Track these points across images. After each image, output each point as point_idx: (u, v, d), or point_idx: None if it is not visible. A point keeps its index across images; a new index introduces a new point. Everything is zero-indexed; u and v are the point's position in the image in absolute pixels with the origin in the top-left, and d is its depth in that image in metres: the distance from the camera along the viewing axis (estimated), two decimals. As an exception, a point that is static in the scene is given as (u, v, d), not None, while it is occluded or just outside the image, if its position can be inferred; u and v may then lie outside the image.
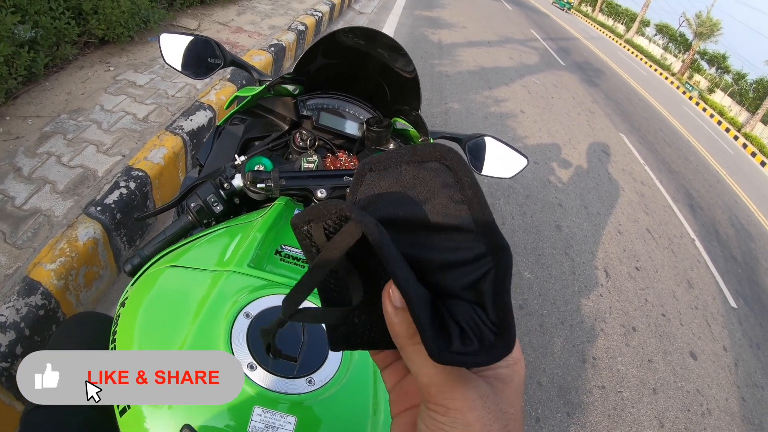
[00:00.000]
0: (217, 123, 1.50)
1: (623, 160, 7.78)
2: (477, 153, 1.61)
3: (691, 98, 27.29)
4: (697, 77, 35.70)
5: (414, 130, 1.50)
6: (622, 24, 50.50)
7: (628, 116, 11.32)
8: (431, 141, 1.39)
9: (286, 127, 1.53)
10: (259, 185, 1.14)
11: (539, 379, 2.91)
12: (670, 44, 42.94)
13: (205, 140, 1.54)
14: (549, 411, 2.74)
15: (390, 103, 1.60)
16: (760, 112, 28.02)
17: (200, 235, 1.09)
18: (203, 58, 1.51)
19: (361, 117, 1.58)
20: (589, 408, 2.91)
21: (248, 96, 1.44)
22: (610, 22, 52.10)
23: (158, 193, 2.81)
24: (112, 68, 3.98)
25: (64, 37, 3.75)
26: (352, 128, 1.57)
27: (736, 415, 3.77)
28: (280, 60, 5.20)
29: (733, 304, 5.43)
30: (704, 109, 25.79)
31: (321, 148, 1.43)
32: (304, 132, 1.37)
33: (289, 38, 5.59)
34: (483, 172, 1.60)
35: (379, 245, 0.32)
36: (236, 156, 1.24)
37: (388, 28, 9.05)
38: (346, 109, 1.59)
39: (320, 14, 7.13)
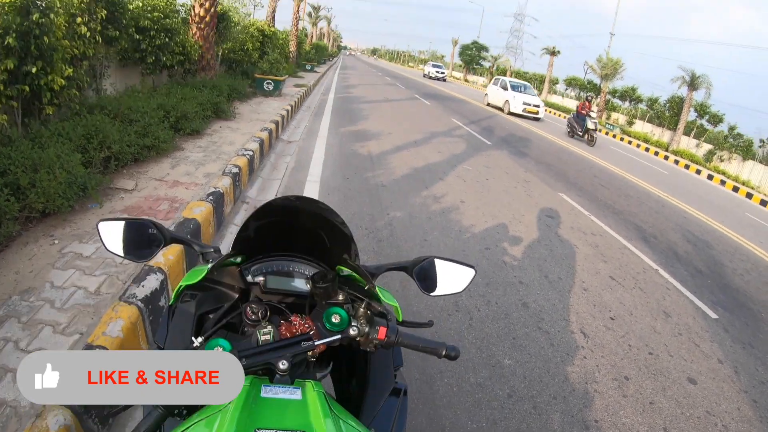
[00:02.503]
0: (169, 302, 1.57)
1: (569, 218, 8.08)
2: (425, 276, 1.60)
3: (614, 136, 28.52)
4: (615, 115, 37.36)
5: (359, 277, 1.50)
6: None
7: (562, 174, 11.80)
8: (378, 287, 1.44)
9: (236, 296, 1.55)
10: None
11: (549, 461, 2.95)
12: (582, 93, 45.16)
13: (160, 321, 1.59)
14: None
15: (330, 251, 1.64)
16: (681, 126, 29.33)
17: (177, 430, 1.10)
18: (143, 240, 1.51)
19: (307, 272, 1.62)
20: (606, 472, 2.95)
21: (194, 282, 1.47)
22: (521, 90, 54.78)
23: None
24: (56, 241, 4.03)
25: (5, 215, 3.79)
26: (300, 285, 1.60)
27: (753, 419, 3.84)
28: (219, 207, 5.37)
29: (713, 315, 5.61)
30: (629, 142, 26.91)
31: (274, 316, 1.44)
32: (254, 306, 1.39)
33: (225, 183, 5.78)
34: (434, 293, 1.61)
35: None
36: (193, 338, 1.24)
37: (318, 151, 9.58)
38: (291, 268, 1.63)
39: (251, 152, 7.44)
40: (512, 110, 25.45)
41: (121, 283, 3.52)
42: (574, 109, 23.50)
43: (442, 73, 54.17)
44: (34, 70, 5.28)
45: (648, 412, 3.59)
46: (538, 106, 25.70)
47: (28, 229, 4.19)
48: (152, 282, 3.40)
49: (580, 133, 19.95)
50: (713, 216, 11.47)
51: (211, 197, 5.24)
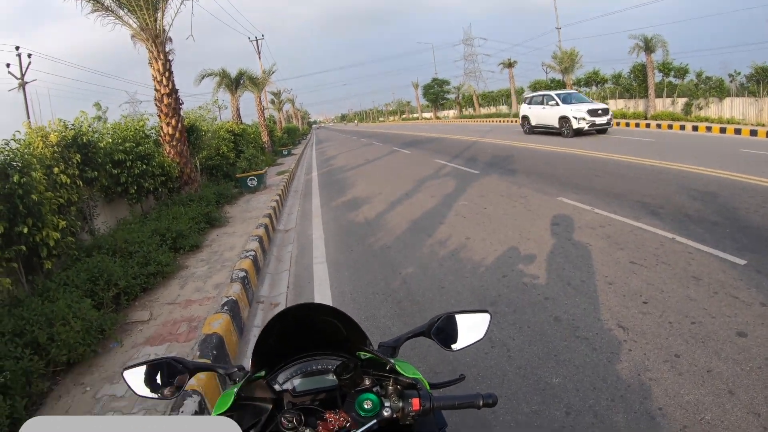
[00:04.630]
0: None
1: (574, 218, 8.13)
2: (443, 334, 1.65)
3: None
4: (587, 103, 37.75)
5: (378, 358, 1.52)
6: (504, 105, 53.90)
7: (555, 178, 11.93)
8: (396, 362, 1.47)
9: (270, 407, 1.55)
10: None
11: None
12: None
13: None
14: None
15: (348, 338, 1.66)
16: (651, 91, 29.63)
17: None
18: (169, 377, 1.56)
19: (331, 366, 1.62)
20: (685, 456, 2.91)
21: (226, 407, 1.48)
22: (493, 109, 55.62)
23: None
24: (88, 388, 4.08)
25: (33, 374, 3.84)
26: (327, 381, 1.61)
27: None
28: (237, 315, 5.42)
29: (741, 262, 5.59)
30: (609, 123, 27.11)
31: (310, 417, 1.43)
32: (287, 415, 1.39)
33: (236, 290, 5.85)
34: (456, 347, 1.66)
35: None
36: None
37: (317, 231, 9.75)
38: (315, 367, 1.64)
39: (253, 252, 7.53)
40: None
41: (160, 414, 3.57)
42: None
43: (605, 113, 21.57)
44: (25, 230, 5.43)
45: (708, 381, 3.55)
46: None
47: (57, 383, 4.27)
48: (190, 406, 3.45)
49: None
50: (711, 165, 11.49)
51: (225, 307, 5.32)
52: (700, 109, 26.48)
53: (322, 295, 6.13)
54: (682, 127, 21.82)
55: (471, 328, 1.68)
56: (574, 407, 3.45)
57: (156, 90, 12.55)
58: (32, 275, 6.04)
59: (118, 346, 4.99)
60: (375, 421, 1.34)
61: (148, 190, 10.70)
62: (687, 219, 7.39)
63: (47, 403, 3.97)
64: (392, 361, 1.46)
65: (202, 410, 3.50)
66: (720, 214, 7.46)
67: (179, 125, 12.82)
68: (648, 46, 29.75)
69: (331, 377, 1.60)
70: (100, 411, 3.73)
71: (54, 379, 4.31)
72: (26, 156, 6.05)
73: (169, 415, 3.37)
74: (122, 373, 1.58)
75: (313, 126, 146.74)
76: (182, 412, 3.36)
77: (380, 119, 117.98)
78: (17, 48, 27.44)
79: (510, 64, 49.75)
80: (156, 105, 12.67)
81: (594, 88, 39.04)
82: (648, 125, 24.42)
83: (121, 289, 5.94)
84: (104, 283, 5.82)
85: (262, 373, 1.59)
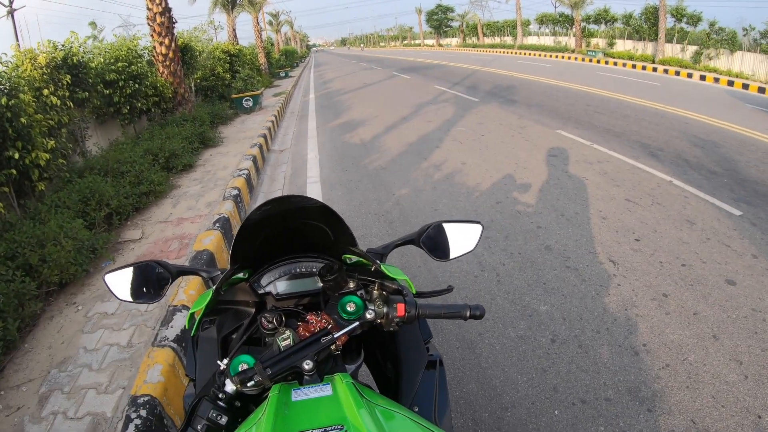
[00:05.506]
0: (191, 334, 1.55)
1: (572, 152, 8.01)
2: (433, 243, 1.61)
3: (599, 62, 28.27)
4: (594, 41, 36.98)
5: (365, 260, 1.47)
6: (508, 36, 52.74)
7: (555, 111, 11.73)
8: (383, 265, 1.42)
9: (253, 311, 1.54)
10: (249, 384, 1.16)
11: (606, 395, 2.91)
12: (557, 28, 44.74)
13: (187, 354, 1.57)
14: (630, 419, 2.73)
15: (335, 242, 1.60)
16: (661, 35, 29.00)
17: None
18: (151, 281, 1.54)
19: (315, 269, 1.59)
20: (665, 394, 2.90)
21: (203, 306, 1.46)
22: (497, 40, 54.45)
23: (171, 409, 2.81)
24: (80, 307, 4.09)
25: (25, 296, 3.84)
26: (311, 284, 1.58)
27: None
28: (228, 232, 5.39)
29: (737, 212, 5.53)
30: (615, 64, 26.66)
31: (291, 319, 1.40)
32: (267, 315, 1.35)
33: (228, 208, 5.83)
34: (450, 258, 1.60)
35: None
36: (219, 362, 1.24)
37: (312, 152, 9.61)
38: (299, 269, 1.60)
39: (246, 171, 7.46)
40: None
41: (150, 330, 3.57)
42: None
43: None
44: (16, 155, 5.30)
45: (693, 323, 3.54)
46: None
47: (50, 303, 4.24)
48: (180, 320, 3.43)
49: None
50: (715, 115, 11.33)
51: (217, 224, 5.27)
52: (710, 59, 26.02)
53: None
54: (690, 75, 21.48)
55: (462, 238, 1.61)
56: (560, 336, 3.43)
57: (149, 9, 12.07)
58: (24, 199, 5.93)
59: (111, 264, 4.92)
60: (357, 323, 1.28)
61: (141, 111, 10.43)
62: (686, 164, 7.30)
63: (40, 323, 3.93)
64: (378, 262, 1.40)
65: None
66: (719, 164, 7.38)
67: (173, 45, 12.42)
68: (663, -13, 28.94)
69: (316, 280, 1.56)
70: (91, 329, 3.70)
71: (47, 300, 4.27)
72: (14, 78, 5.84)
73: (159, 330, 3.35)
74: (104, 277, 1.52)
75: (312, 49, 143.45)
76: (171, 327, 3.34)
77: (381, 44, 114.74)
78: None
79: (518, -6, 48.32)
80: (149, 24, 12.22)
81: (603, 26, 38.18)
82: (655, 69, 24.00)
83: (113, 209, 5.83)
84: (96, 204, 5.71)
85: (246, 275, 1.55)
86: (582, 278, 4.16)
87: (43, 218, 5.17)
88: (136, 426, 2.50)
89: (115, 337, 3.55)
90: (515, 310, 3.76)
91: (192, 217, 5.94)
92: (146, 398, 2.68)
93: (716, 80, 20.07)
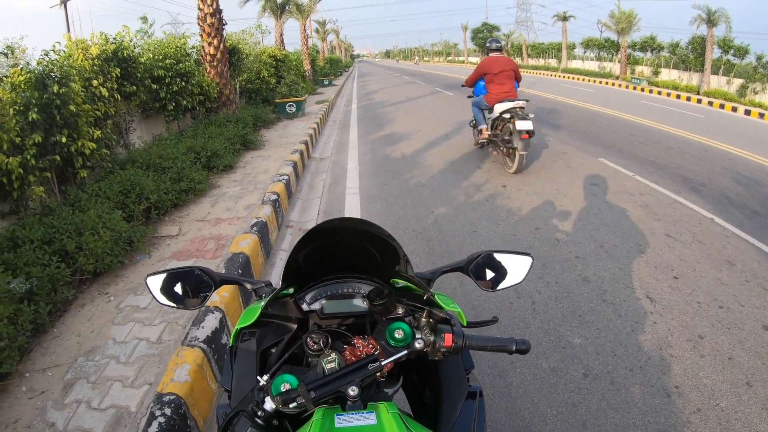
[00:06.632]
0: (230, 344, 1.57)
1: (613, 182, 7.96)
2: (481, 272, 1.61)
3: (643, 90, 27.94)
4: (639, 68, 36.57)
5: (414, 286, 1.45)
6: (552, 59, 52.42)
7: (598, 139, 11.65)
8: (436, 294, 1.41)
9: (295, 326, 1.54)
10: (291, 405, 1.14)
11: (637, 434, 2.92)
12: (602, 53, 44.35)
13: (224, 365, 1.58)
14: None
15: (383, 264, 1.57)
16: (707, 66, 28.51)
17: None
18: (193, 287, 1.54)
19: (362, 291, 1.56)
20: (697, 436, 2.91)
21: (249, 323, 1.46)
22: (541, 62, 54.17)
23: (195, 410, 2.82)
24: (112, 298, 4.18)
25: (59, 282, 3.96)
26: (358, 305, 1.54)
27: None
28: (265, 236, 5.44)
29: (778, 255, 5.42)
30: (659, 93, 26.32)
31: (336, 341, 1.41)
32: (314, 336, 1.36)
33: (266, 212, 5.86)
34: (497, 289, 1.61)
35: None
36: (258, 378, 1.23)
37: (352, 162, 9.70)
38: (346, 290, 1.57)
39: (286, 177, 7.55)
40: None
41: (181, 329, 3.65)
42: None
43: None
44: (63, 140, 5.49)
45: (728, 368, 3.51)
46: None
47: (82, 291, 4.36)
48: (211, 322, 3.46)
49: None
50: (759, 152, 11.11)
51: (254, 228, 5.34)
52: (756, 93, 25.46)
53: (352, 227, 6.09)
54: (734, 109, 21.07)
55: (511, 269, 1.61)
56: (593, 370, 3.45)
57: (200, 9, 12.39)
58: (65, 185, 6.12)
59: (146, 257, 5.06)
60: (405, 351, 1.28)
61: (185, 108, 10.65)
62: (728, 202, 7.21)
63: (70, 310, 4.05)
64: (431, 291, 1.40)
65: (222, 327, 3.53)
66: (763, 204, 7.26)
67: (221, 46, 12.72)
68: (710, 19, 28.48)
69: (362, 302, 1.54)
70: (121, 321, 3.80)
71: (79, 288, 4.39)
72: (65, 67, 6.04)
73: (189, 330, 3.41)
74: (146, 279, 1.54)
75: (357, 60, 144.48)
76: (202, 327, 3.38)
77: (425, 59, 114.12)
78: (60, -36, 27.05)
79: (565, 18, 47.90)
80: (199, 24, 12.53)
81: (649, 54, 37.73)
82: (699, 101, 23.61)
83: (152, 203, 6.00)
84: (136, 197, 5.88)
85: (291, 290, 1.54)
86: (618, 313, 4.16)
87: (83, 206, 5.34)
88: (160, 424, 2.52)
89: (145, 331, 3.63)
90: (549, 340, 3.78)
91: (230, 218, 6.06)
92: (172, 397, 2.70)
93: (761, 116, 19.67)
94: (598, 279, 4.74)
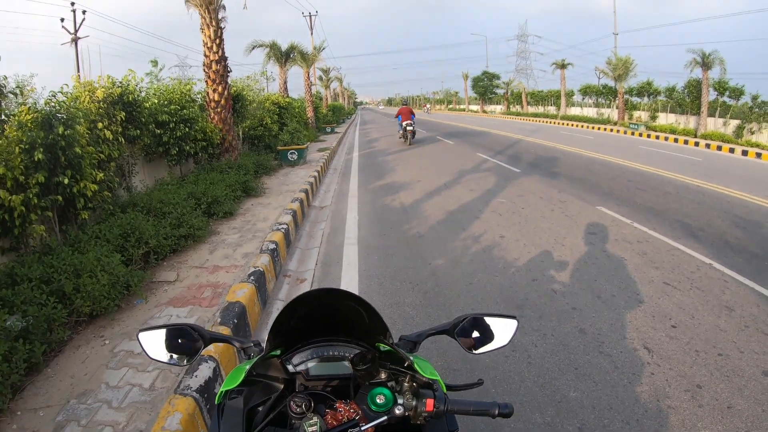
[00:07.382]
0: (216, 401, 1.59)
1: (611, 230, 8.00)
2: (467, 335, 1.64)
3: (641, 135, 28.25)
4: (636, 113, 37.01)
5: (397, 351, 1.47)
6: (552, 105, 53.14)
7: (596, 186, 11.73)
8: (415, 360, 1.42)
9: (281, 387, 1.57)
10: None
11: (635, 489, 2.88)
12: (600, 99, 44.97)
13: (210, 422, 1.60)
14: None
15: (370, 327, 1.60)
16: (704, 109, 28.87)
17: None
18: (184, 344, 1.59)
19: (347, 354, 1.59)
20: (695, 490, 2.87)
21: (235, 385, 1.48)
22: (541, 109, 54.90)
23: None
24: (107, 341, 4.18)
25: (55, 322, 3.97)
26: (342, 369, 1.59)
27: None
28: (262, 286, 5.45)
29: (778, 299, 5.40)
30: (657, 137, 26.60)
31: (319, 405, 1.43)
32: (297, 399, 1.38)
33: (264, 261, 5.87)
34: (478, 351, 1.64)
35: None
36: None
37: (351, 212, 9.77)
38: (332, 353, 1.60)
39: (285, 226, 7.58)
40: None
41: (174, 376, 3.65)
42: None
43: None
44: (66, 181, 5.58)
45: (727, 417, 3.48)
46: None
47: (78, 333, 4.39)
48: (205, 371, 3.48)
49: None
50: (757, 193, 11.17)
51: (252, 277, 5.36)
52: (752, 133, 25.69)
53: (350, 277, 6.17)
54: (732, 150, 21.27)
55: (496, 332, 1.64)
56: (588, 425, 3.41)
57: (205, 56, 12.74)
58: (66, 225, 6.20)
59: (143, 302, 5.10)
60: (386, 417, 1.31)
61: (188, 154, 10.84)
62: (726, 246, 7.22)
63: (65, 351, 4.08)
64: (411, 358, 1.42)
65: (216, 377, 3.54)
66: (761, 246, 7.27)
67: (225, 92, 12.98)
68: (705, 62, 28.95)
69: (347, 365, 1.58)
70: (115, 366, 3.81)
71: (75, 329, 4.43)
72: (72, 109, 6.18)
73: (182, 378, 3.41)
74: (138, 335, 1.59)
75: (359, 106, 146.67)
76: (196, 376, 3.39)
77: (437, 107, 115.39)
78: (72, 3, 28.13)
79: (563, 65, 48.75)
80: (204, 71, 12.85)
81: (646, 99, 38.24)
82: (697, 144, 23.86)
83: (151, 247, 6.06)
84: (135, 240, 5.95)
85: (278, 351, 1.57)
86: (615, 365, 4.13)
87: (83, 248, 5.41)
88: None
89: (138, 377, 3.64)
90: (544, 394, 3.75)
91: (227, 266, 6.09)
92: (162, 446, 2.66)
93: (758, 155, 19.80)
94: (594, 330, 4.72)
